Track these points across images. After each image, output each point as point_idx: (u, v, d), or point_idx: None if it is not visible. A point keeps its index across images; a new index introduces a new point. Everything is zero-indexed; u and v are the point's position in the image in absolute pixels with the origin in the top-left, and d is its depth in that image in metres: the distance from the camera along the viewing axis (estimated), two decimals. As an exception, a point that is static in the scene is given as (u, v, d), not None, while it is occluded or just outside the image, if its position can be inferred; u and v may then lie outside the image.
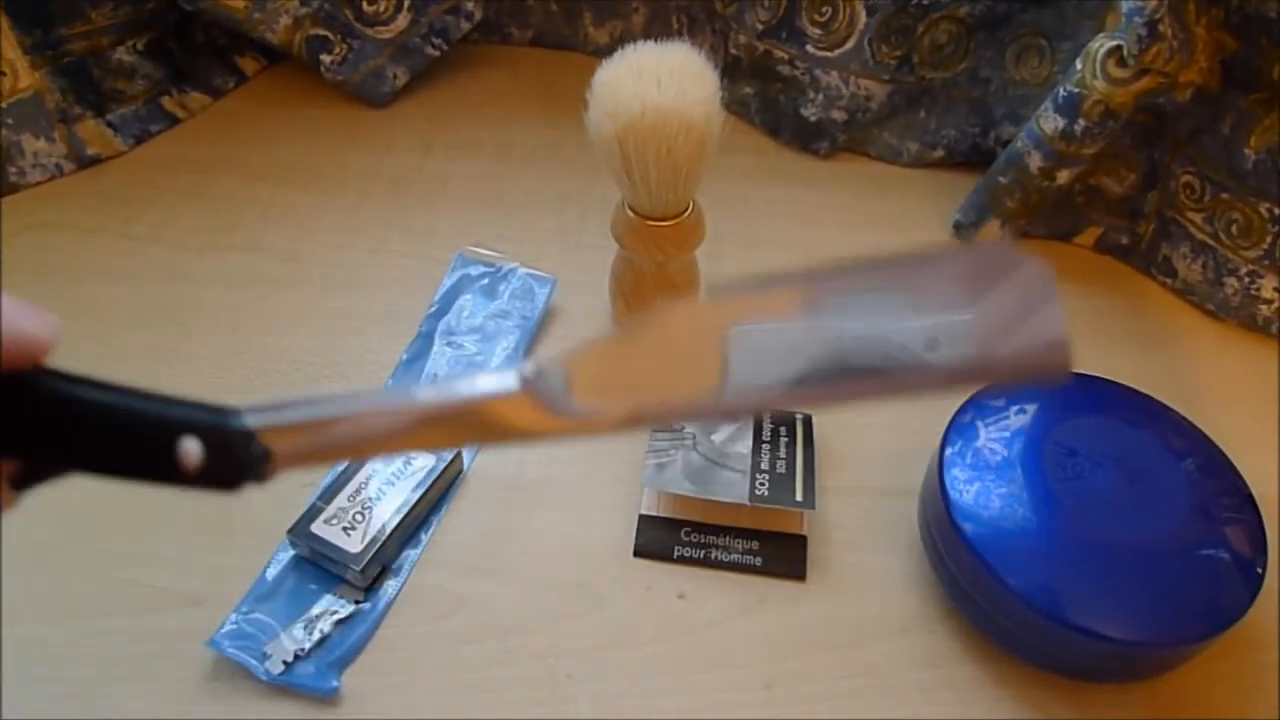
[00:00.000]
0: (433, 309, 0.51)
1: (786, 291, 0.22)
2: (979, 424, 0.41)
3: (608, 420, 0.22)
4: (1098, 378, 0.43)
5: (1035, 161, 0.52)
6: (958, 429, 0.41)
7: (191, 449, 0.21)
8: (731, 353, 0.21)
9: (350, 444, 0.22)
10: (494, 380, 0.22)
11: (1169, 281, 0.56)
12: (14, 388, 0.21)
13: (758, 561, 0.41)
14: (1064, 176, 0.52)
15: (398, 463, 0.43)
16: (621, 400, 0.21)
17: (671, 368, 0.22)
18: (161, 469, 0.21)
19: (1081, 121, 0.49)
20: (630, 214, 0.45)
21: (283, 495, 0.43)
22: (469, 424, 0.22)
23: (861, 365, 0.21)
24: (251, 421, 0.22)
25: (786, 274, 0.22)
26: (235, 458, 0.22)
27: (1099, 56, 0.48)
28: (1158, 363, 0.52)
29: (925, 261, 0.22)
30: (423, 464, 0.43)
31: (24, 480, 0.22)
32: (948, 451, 0.40)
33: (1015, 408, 0.42)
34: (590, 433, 0.22)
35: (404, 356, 0.49)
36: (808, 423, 0.45)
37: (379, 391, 0.22)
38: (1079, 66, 0.49)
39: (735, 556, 0.41)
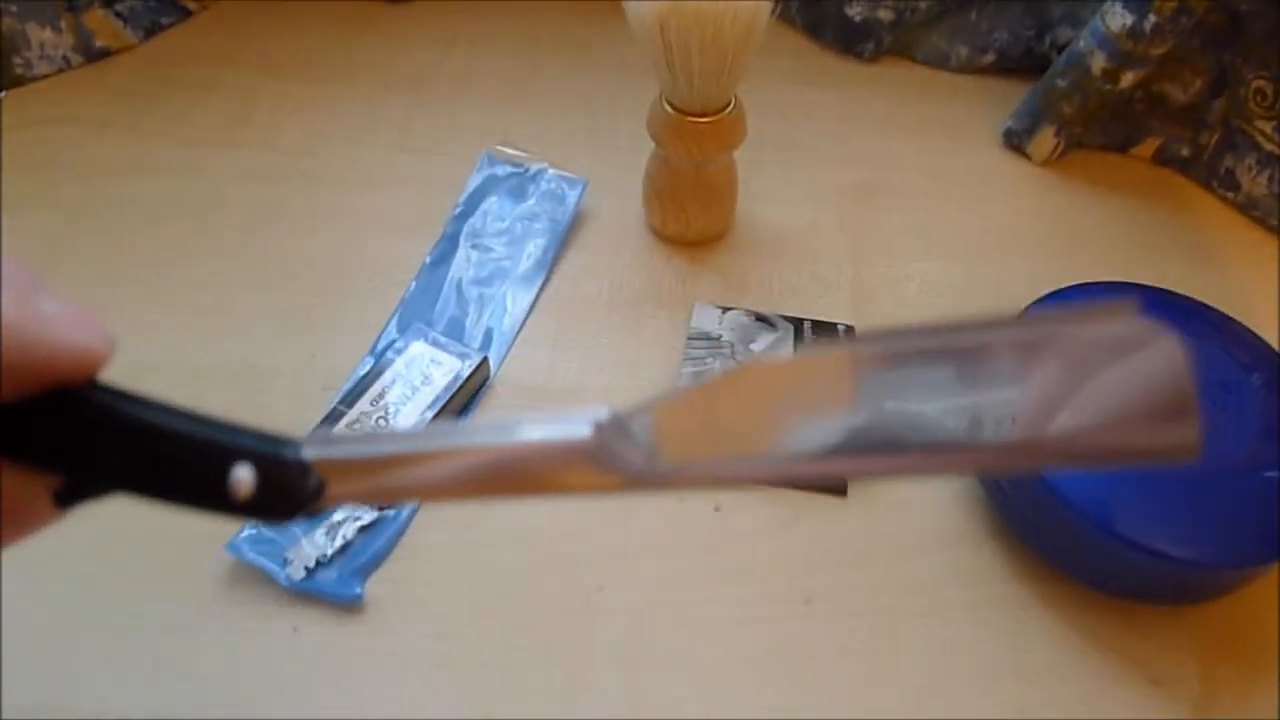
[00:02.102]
0: (458, 210, 0.49)
1: (872, 350, 0.19)
2: (1032, 337, 0.39)
3: (687, 480, 0.19)
4: (1158, 288, 0.41)
5: (1098, 62, 0.49)
6: (1009, 342, 0.39)
7: (244, 477, 0.20)
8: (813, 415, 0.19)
9: (406, 487, 0.21)
10: (565, 428, 0.19)
11: (1230, 195, 0.53)
12: (64, 402, 0.20)
13: (797, 475, 0.39)
14: (1127, 79, 0.49)
15: (421, 365, 0.41)
16: (706, 456, 0.19)
17: (756, 425, 0.19)
18: (211, 496, 0.20)
19: (1152, 17, 0.46)
20: (668, 109, 0.42)
21: (302, 398, 0.42)
22: (532, 480, 0.20)
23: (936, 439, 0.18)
24: (309, 454, 0.20)
25: (875, 334, 0.19)
26: (289, 489, 0.20)
27: (1176, -55, 0.44)
28: (1215, 280, 0.49)
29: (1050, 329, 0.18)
30: (448, 369, 0.41)
31: (68, 497, 0.21)
32: (1000, 364, 0.38)
33: (1070, 321, 0.39)
34: (666, 491, 0.20)
35: (428, 260, 0.47)
36: (851, 334, 0.43)
37: (442, 431, 0.21)
38: (1153, -44, 0.45)
39: (773, 469, 0.40)
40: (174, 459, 0.20)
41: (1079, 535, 0.34)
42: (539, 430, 0.19)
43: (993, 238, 0.50)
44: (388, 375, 0.41)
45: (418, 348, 0.42)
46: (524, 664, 0.35)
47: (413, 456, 0.20)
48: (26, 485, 0.20)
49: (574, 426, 0.19)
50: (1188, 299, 0.40)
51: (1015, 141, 0.55)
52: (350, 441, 0.21)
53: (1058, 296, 0.40)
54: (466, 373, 0.41)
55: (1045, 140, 0.53)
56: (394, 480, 0.20)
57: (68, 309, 0.20)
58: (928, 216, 0.51)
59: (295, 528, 0.37)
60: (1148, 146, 0.55)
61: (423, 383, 0.40)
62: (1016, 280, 0.47)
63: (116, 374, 0.44)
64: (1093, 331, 0.17)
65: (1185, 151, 0.54)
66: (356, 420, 0.39)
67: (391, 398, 0.40)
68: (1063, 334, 0.18)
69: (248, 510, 0.20)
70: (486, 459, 0.20)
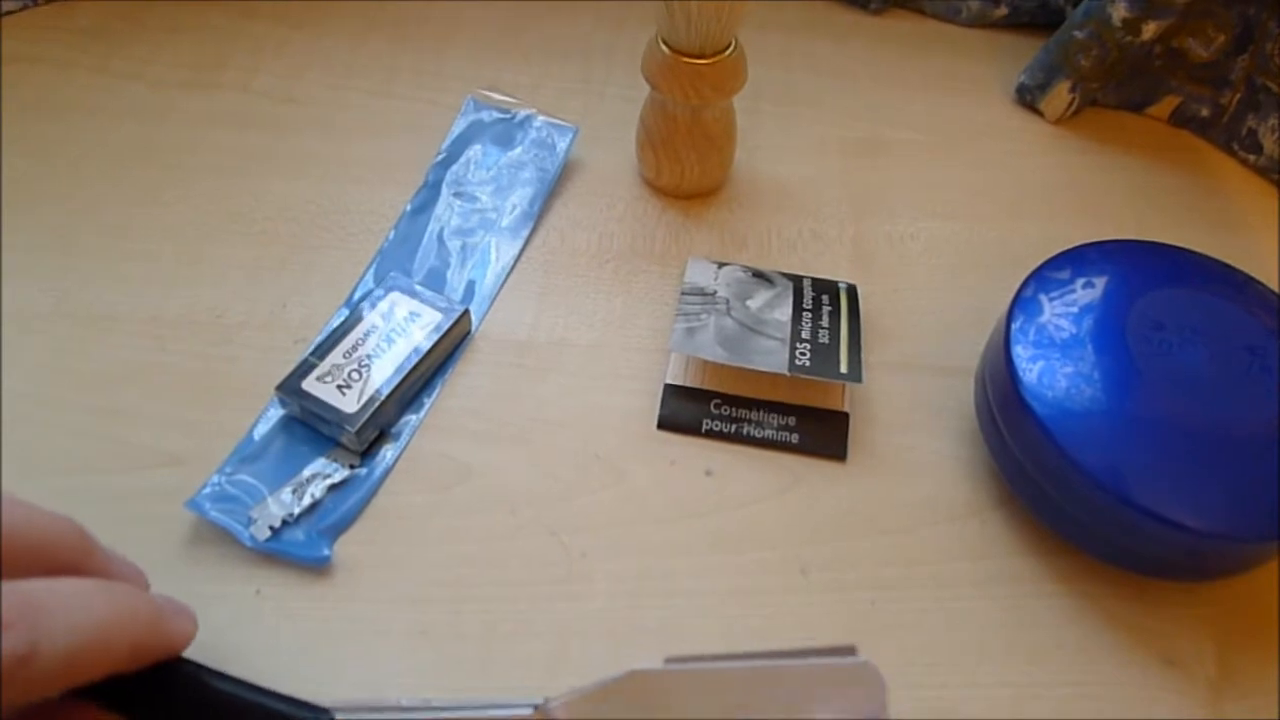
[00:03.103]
0: (440, 157, 0.46)
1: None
2: (1042, 298, 0.37)
3: None
4: (1179, 247, 0.38)
5: (1119, 11, 0.46)
6: (1021, 303, 0.37)
7: None
8: None
9: None
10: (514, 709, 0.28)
11: (1252, 158, 0.50)
12: (160, 672, 0.27)
13: (794, 439, 0.37)
14: (1149, 30, 0.46)
15: (398, 318, 0.39)
16: None
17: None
18: None
19: (1178, -37, 0.43)
20: (665, 50, 0.40)
21: (272, 350, 0.39)
22: None
23: None
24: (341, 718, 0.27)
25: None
26: None
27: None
28: (1234, 244, 0.46)
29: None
30: (427, 321, 0.39)
31: None
32: (1013, 326, 0.36)
33: (1082, 280, 0.37)
34: None
35: (408, 208, 0.44)
36: (852, 292, 0.41)
37: (439, 704, 0.28)
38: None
39: (770, 433, 0.37)
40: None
41: (1093, 504, 0.32)
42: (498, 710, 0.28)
43: (1001, 197, 0.48)
44: (362, 327, 0.38)
45: (395, 298, 0.39)
46: (504, 633, 0.33)
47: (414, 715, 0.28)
48: None
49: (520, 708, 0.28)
50: (1210, 258, 0.38)
51: (1028, 98, 0.52)
52: (371, 711, 0.28)
53: (1073, 255, 0.38)
54: (447, 325, 0.39)
55: (1059, 97, 0.51)
56: None
57: (169, 602, 0.28)
58: (934, 174, 0.49)
59: (261, 486, 0.35)
60: (1165, 106, 0.52)
61: (400, 335, 0.38)
62: (1025, 240, 0.45)
63: (82, 321, 0.41)
64: (816, 664, 0.27)
65: (1205, 111, 0.51)
66: (328, 373, 0.37)
67: (366, 350, 0.37)
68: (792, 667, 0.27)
69: None
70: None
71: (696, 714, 0.27)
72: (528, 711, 0.27)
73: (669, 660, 0.28)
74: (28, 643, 0.22)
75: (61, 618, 0.23)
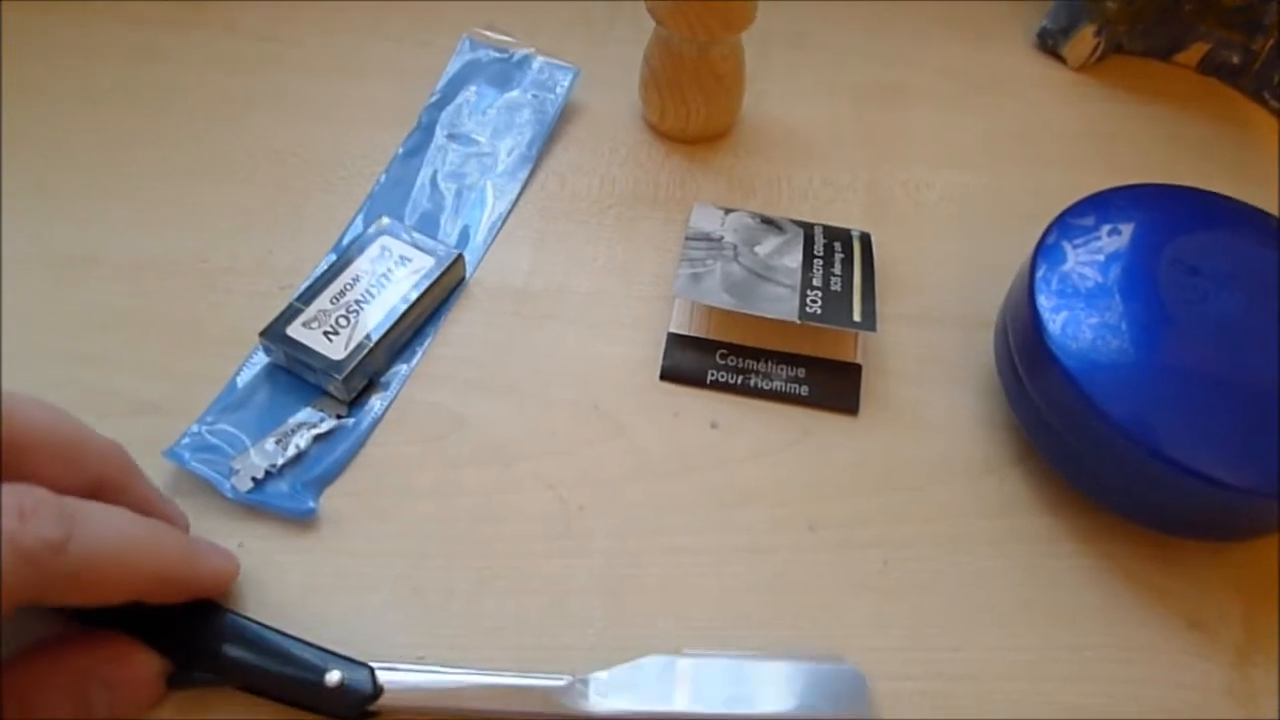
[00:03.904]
0: (434, 98, 0.44)
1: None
2: (1066, 245, 0.35)
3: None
4: (1210, 191, 0.36)
5: (1149, -51, 0.44)
6: (1044, 251, 0.35)
7: (335, 678, 0.27)
8: None
9: (445, 705, 0.28)
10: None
11: (1283, 107, 0.48)
12: (200, 612, 0.28)
13: (804, 391, 0.36)
14: (1180, -30, 0.44)
15: (388, 262, 0.37)
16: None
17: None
18: (308, 693, 0.27)
19: (1214, -105, 0.41)
20: (670, -19, 0.38)
21: (257, 296, 0.37)
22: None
23: None
24: (375, 669, 0.28)
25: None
26: (361, 690, 0.27)
27: None
28: (1263, 199, 0.44)
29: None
30: (418, 266, 0.37)
31: (178, 682, 0.27)
32: (1036, 275, 0.34)
33: (1108, 226, 0.35)
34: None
35: (400, 150, 0.42)
36: (866, 240, 0.39)
37: (489, 671, 0.28)
38: None
39: (778, 384, 0.36)
40: (284, 666, 0.27)
41: (1121, 458, 0.30)
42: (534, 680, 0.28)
43: (1021, 145, 0.46)
44: (351, 271, 0.36)
45: (386, 243, 0.37)
46: (498, 591, 0.31)
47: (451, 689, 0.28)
48: (152, 664, 0.27)
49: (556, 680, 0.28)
50: (1243, 203, 0.36)
51: (1050, 43, 0.50)
52: (402, 669, 0.28)
53: (1098, 201, 0.36)
54: (439, 271, 0.37)
55: (1084, 42, 0.48)
56: (429, 692, 0.28)
57: (208, 544, 0.29)
58: (951, 121, 0.47)
59: (243, 435, 0.33)
60: (1193, 53, 0.50)
61: (390, 280, 0.36)
62: (1046, 190, 0.42)
63: (60, 265, 0.40)
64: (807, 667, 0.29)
65: (1235, 58, 0.49)
66: (315, 319, 0.35)
67: (355, 295, 0.36)
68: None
69: (331, 704, 0.27)
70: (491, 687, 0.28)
71: (710, 703, 0.28)
72: (562, 682, 0.28)
73: (686, 653, 0.29)
74: (62, 532, 0.22)
75: (94, 526, 0.23)
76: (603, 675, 0.28)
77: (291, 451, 0.33)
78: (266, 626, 0.28)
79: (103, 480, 0.26)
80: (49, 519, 0.22)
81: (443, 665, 0.28)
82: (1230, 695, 0.30)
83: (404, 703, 0.27)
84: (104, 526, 0.24)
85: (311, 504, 0.32)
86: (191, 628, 0.28)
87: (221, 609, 0.28)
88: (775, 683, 0.29)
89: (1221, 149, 0.47)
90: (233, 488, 0.32)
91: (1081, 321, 0.32)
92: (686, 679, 0.29)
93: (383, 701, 0.27)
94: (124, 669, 0.27)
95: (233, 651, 0.27)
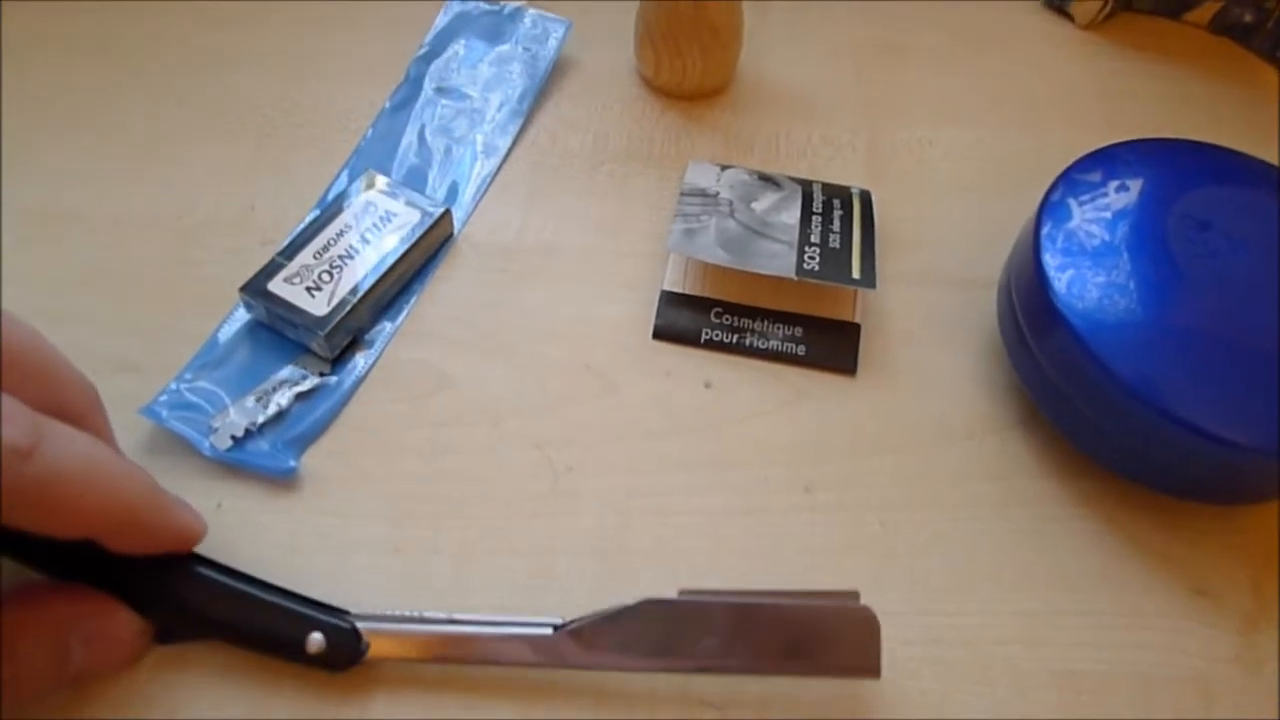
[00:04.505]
0: (423, 51, 0.43)
1: None
2: (1071, 202, 0.34)
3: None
4: (1220, 146, 0.35)
5: (1162, -101, 0.42)
6: (1049, 209, 0.34)
7: (317, 639, 0.26)
8: None
9: (432, 649, 0.27)
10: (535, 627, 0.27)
11: (1296, 67, 0.47)
12: (174, 566, 0.27)
13: (801, 351, 0.35)
14: (1194, -78, 0.43)
15: (374, 217, 0.36)
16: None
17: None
18: (289, 650, 0.27)
19: None
20: (666, -73, 0.36)
21: (238, 252, 0.36)
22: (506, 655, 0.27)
23: None
24: (359, 623, 0.27)
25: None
26: (345, 647, 0.27)
27: None
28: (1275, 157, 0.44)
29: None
30: (405, 221, 0.36)
31: (163, 638, 0.27)
32: (1041, 233, 0.33)
33: (1115, 182, 0.34)
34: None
35: (387, 105, 0.41)
36: (866, 197, 0.38)
37: (473, 619, 0.28)
38: None
39: (774, 344, 0.35)
40: (266, 621, 0.27)
41: (1129, 419, 0.29)
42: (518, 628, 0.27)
43: (1026, 104, 0.45)
44: (335, 226, 0.35)
45: (371, 197, 0.36)
46: (484, 552, 0.30)
47: (438, 635, 0.27)
48: (133, 623, 0.26)
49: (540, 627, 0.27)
50: (1254, 158, 0.35)
51: (1058, 0, 0.48)
52: (387, 620, 0.27)
53: (1104, 156, 0.35)
54: (426, 226, 0.36)
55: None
56: (420, 641, 0.27)
57: (173, 497, 0.27)
58: (954, 79, 0.46)
59: (223, 393, 0.33)
60: (1205, 11, 0.49)
61: (375, 236, 0.35)
62: (1051, 149, 0.41)
63: (36, 221, 0.38)
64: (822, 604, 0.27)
65: (1248, 17, 0.48)
66: (297, 274, 0.34)
67: (338, 251, 0.35)
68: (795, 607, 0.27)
69: (316, 661, 0.27)
70: (477, 634, 0.27)
71: (704, 646, 0.27)
72: (547, 631, 0.27)
73: (683, 592, 0.27)
74: (30, 441, 0.22)
75: (63, 443, 0.23)
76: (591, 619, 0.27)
77: (272, 409, 0.32)
78: (248, 577, 0.27)
79: (66, 411, 0.25)
80: (18, 425, 0.22)
81: (430, 612, 0.28)
82: (1236, 662, 0.29)
83: (386, 643, 0.27)
84: (73, 445, 0.23)
85: (292, 463, 0.31)
86: (170, 584, 0.27)
87: (198, 559, 0.27)
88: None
89: (1232, 109, 0.46)
90: (211, 446, 0.31)
91: (1088, 280, 0.31)
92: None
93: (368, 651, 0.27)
94: (104, 624, 0.26)
95: (214, 608, 0.27)
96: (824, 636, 0.26)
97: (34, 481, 0.22)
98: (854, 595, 0.27)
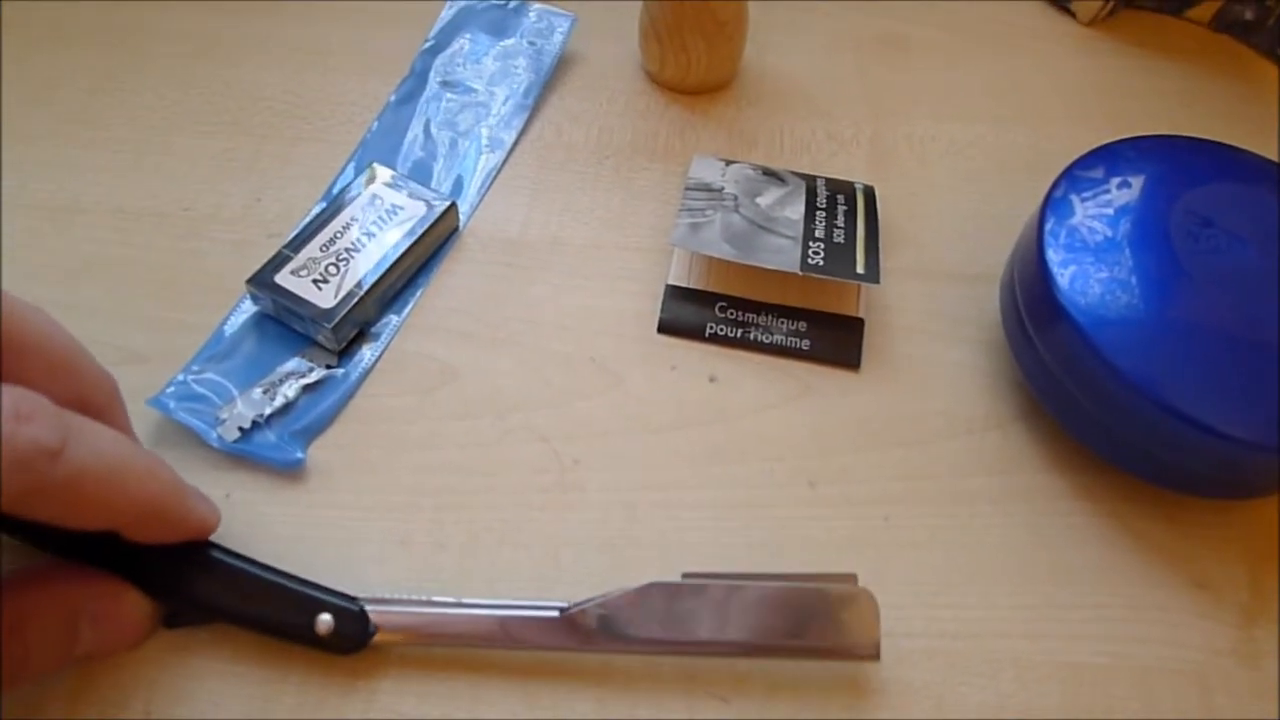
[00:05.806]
0: (428, 44, 0.43)
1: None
2: (1074, 198, 0.34)
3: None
4: (1222, 143, 0.35)
5: (1165, -104, 0.42)
6: (1052, 205, 0.34)
7: (326, 621, 0.27)
8: None
9: (439, 632, 0.28)
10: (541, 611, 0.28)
11: (1297, 65, 0.47)
12: (190, 553, 0.27)
13: (805, 345, 0.35)
14: (1197, -81, 0.43)
15: (380, 210, 0.36)
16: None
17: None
18: (299, 633, 0.27)
19: None
20: (672, -79, 0.37)
21: (244, 244, 0.37)
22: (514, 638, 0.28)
23: None
24: (367, 607, 0.27)
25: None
26: (353, 631, 0.27)
27: None
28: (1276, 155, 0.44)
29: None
30: (411, 214, 0.36)
31: (173, 621, 0.28)
32: (1045, 228, 0.33)
33: (1118, 179, 0.34)
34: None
35: (392, 98, 0.41)
36: (870, 193, 0.38)
37: (481, 602, 0.28)
38: None
39: (779, 338, 0.35)
40: (275, 603, 0.27)
41: (1131, 413, 0.29)
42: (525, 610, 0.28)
43: (1028, 100, 0.45)
44: (341, 219, 0.35)
45: (377, 190, 0.36)
46: (490, 544, 0.30)
47: (443, 621, 0.28)
48: (140, 604, 0.27)
49: (547, 610, 0.28)
50: (1257, 155, 0.35)
51: (1059, -7, 0.49)
52: (395, 603, 0.28)
53: (1106, 153, 0.35)
54: (432, 219, 0.36)
55: (1094, -8, 0.47)
56: (427, 624, 0.28)
57: (190, 488, 0.27)
58: (957, 75, 0.46)
59: (230, 385, 0.33)
60: (1206, 9, 0.49)
61: (382, 229, 0.35)
62: (1053, 146, 0.42)
63: (40, 213, 0.38)
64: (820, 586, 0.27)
65: (1249, 15, 0.48)
66: (304, 267, 0.34)
67: (345, 243, 0.35)
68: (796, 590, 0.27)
69: (324, 644, 0.27)
70: (484, 616, 0.28)
71: (705, 628, 0.27)
72: (554, 614, 0.27)
73: (686, 575, 0.28)
74: (58, 439, 0.22)
75: (90, 439, 0.23)
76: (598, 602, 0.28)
77: (279, 401, 0.32)
78: (256, 563, 0.28)
79: (87, 404, 0.25)
80: (46, 424, 0.22)
81: (438, 596, 0.28)
82: (1235, 656, 0.30)
83: (395, 629, 0.27)
84: (99, 441, 0.23)
85: (299, 454, 0.31)
86: (179, 568, 0.27)
87: (210, 546, 0.28)
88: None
89: (1233, 106, 0.46)
90: (219, 437, 0.31)
91: (1091, 275, 0.31)
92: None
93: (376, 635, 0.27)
94: (114, 606, 0.26)
95: (222, 592, 0.27)
96: (823, 617, 0.27)
97: (63, 481, 0.22)
98: (852, 578, 0.27)
